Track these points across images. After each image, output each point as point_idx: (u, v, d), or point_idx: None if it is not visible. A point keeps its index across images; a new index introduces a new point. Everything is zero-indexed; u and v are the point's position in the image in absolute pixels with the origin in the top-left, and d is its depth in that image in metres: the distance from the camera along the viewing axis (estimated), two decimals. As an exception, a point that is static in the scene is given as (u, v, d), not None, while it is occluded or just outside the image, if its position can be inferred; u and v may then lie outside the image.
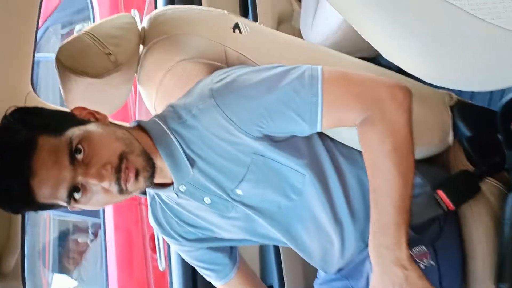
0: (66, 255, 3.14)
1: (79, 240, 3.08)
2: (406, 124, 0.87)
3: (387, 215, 0.86)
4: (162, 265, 2.22)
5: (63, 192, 0.83)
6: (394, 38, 0.77)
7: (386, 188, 0.87)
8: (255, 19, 1.72)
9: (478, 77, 0.80)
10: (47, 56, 2.88)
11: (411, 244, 0.96)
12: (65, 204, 0.85)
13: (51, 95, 3.00)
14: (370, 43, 0.82)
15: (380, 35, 0.78)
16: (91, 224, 2.99)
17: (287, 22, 1.85)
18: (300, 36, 1.74)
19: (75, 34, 1.07)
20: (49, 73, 2.95)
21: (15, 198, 0.81)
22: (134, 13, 2.61)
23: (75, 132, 0.85)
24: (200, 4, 1.63)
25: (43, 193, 0.81)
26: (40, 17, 1.33)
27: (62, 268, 3.14)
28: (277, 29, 1.81)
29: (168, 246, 1.65)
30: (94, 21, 2.67)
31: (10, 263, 1.10)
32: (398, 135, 0.86)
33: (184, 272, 1.54)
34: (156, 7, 1.75)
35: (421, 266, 0.95)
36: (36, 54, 1.34)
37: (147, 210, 1.13)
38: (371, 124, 0.88)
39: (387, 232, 0.86)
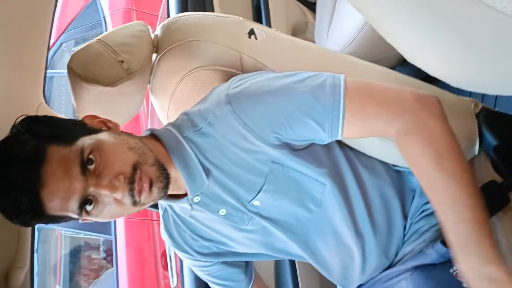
0: (78, 272, 3.11)
1: (91, 256, 3.05)
2: (444, 129, 0.82)
3: (461, 233, 0.78)
4: (174, 283, 2.19)
5: (74, 204, 0.79)
6: (420, 41, 0.74)
7: (448, 203, 0.79)
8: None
9: (507, 80, 0.76)
10: (61, 72, 2.89)
11: (449, 262, 0.90)
12: (76, 216, 0.82)
13: (64, 110, 3.01)
14: (394, 46, 0.79)
15: (405, 38, 0.75)
16: (102, 241, 2.96)
17: (301, 34, 1.83)
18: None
19: (88, 42, 1.05)
20: (62, 89, 2.96)
21: (24, 211, 0.77)
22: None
23: (86, 141, 0.82)
24: (212, 9, 1.61)
25: (53, 205, 0.78)
26: (54, 34, 1.32)
27: (73, 285, 3.10)
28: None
29: (181, 262, 1.60)
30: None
31: (19, 278, 1.06)
32: (439, 143, 0.81)
33: (197, 284, 1.49)
34: (168, 15, 1.73)
35: (464, 285, 0.88)
36: (49, 70, 1.33)
37: (159, 227, 1.09)
38: (406, 134, 0.83)
39: (468, 252, 0.77)
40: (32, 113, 1.23)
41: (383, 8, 0.73)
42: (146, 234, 2.38)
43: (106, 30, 2.73)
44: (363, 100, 0.85)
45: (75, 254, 3.06)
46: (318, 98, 0.84)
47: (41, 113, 1.23)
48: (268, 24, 1.70)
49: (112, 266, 2.97)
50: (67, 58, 3.22)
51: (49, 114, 1.24)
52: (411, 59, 0.79)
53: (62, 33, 2.80)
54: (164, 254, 2.34)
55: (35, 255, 1.18)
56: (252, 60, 1.00)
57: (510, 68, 0.70)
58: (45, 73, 1.32)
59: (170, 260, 2.15)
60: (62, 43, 2.83)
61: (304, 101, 0.85)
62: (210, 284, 1.13)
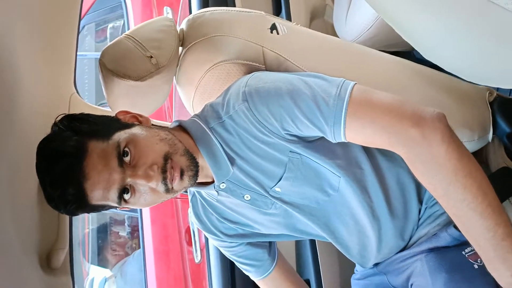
0: (105, 247, 3.24)
1: (118, 233, 3.17)
2: (448, 153, 0.81)
3: (485, 251, 0.83)
4: (198, 258, 2.27)
5: (113, 194, 0.86)
6: (435, 38, 0.77)
7: (466, 226, 0.83)
8: (288, 14, 1.72)
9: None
10: (83, 54, 2.95)
11: (462, 245, 0.96)
12: (115, 204, 0.89)
13: (87, 89, 3.09)
14: (410, 43, 0.82)
15: (421, 35, 0.78)
16: (127, 217, 3.07)
17: (320, 17, 1.85)
18: (334, 31, 1.74)
19: (117, 38, 1.10)
20: (84, 71, 3.03)
21: (70, 202, 0.85)
22: (167, 10, 2.65)
23: (121, 135, 0.89)
24: (233, 2, 1.64)
25: (95, 195, 0.85)
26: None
27: (100, 260, 3.24)
28: (310, 24, 1.81)
29: (206, 239, 1.68)
30: (127, 19, 2.73)
31: (59, 259, 1.15)
32: (444, 171, 0.81)
33: (223, 264, 1.57)
34: (190, 7, 1.77)
35: (475, 266, 0.95)
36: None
37: (183, 204, 1.16)
38: (410, 162, 0.85)
39: (494, 267, 0.83)
40: (65, 103, 1.31)
41: (400, 8, 0.77)
42: (170, 211, 2.46)
43: (127, 12, 2.77)
44: (364, 118, 0.86)
45: (102, 229, 3.19)
46: (322, 111, 0.88)
47: (73, 103, 1.32)
48: (287, 8, 1.72)
49: (138, 242, 3.09)
50: (88, 40, 3.29)
51: (82, 105, 1.32)
52: (426, 55, 0.83)
53: (84, 16, 2.85)
54: (188, 230, 2.42)
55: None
56: (274, 54, 1.05)
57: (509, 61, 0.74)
58: (75, 64, 1.39)
59: (194, 236, 2.22)
60: (84, 26, 2.89)
61: (308, 109, 0.88)
62: (236, 263, 1.20)
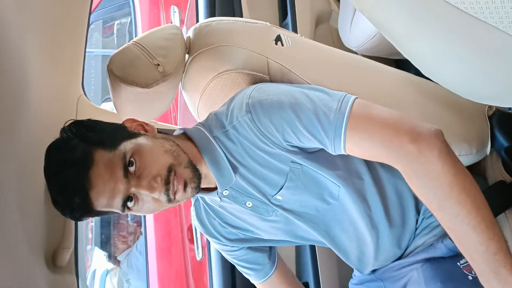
0: (107, 242, 3.28)
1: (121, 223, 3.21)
2: (444, 168, 0.83)
3: (478, 264, 0.85)
4: (199, 255, 2.30)
5: (118, 202, 0.90)
6: (434, 58, 0.79)
7: (459, 240, 0.86)
8: (293, 19, 1.74)
9: (510, 92, 0.82)
10: (90, 51, 2.98)
11: (457, 256, 0.98)
12: (119, 211, 0.92)
13: (93, 87, 3.12)
14: (411, 60, 0.85)
15: (421, 55, 0.81)
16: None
17: (325, 22, 1.86)
18: (338, 36, 1.76)
19: (125, 44, 1.12)
20: (91, 67, 3.06)
21: (76, 209, 0.88)
22: (174, 9, 2.67)
23: (127, 146, 0.91)
24: (240, 5, 1.66)
25: (100, 203, 0.89)
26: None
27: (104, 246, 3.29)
28: (316, 29, 1.83)
29: (208, 238, 1.71)
30: (134, 17, 2.75)
31: (65, 258, 1.18)
32: (439, 186, 0.84)
33: (223, 262, 1.59)
34: (197, 7, 1.79)
35: (469, 277, 0.97)
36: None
37: (185, 202, 1.18)
38: (407, 176, 0.88)
39: (486, 280, 0.85)
40: (73, 105, 1.34)
41: (400, 29, 0.79)
42: (173, 209, 2.49)
43: (134, 10, 2.80)
44: (363, 133, 0.89)
45: (105, 224, 3.23)
46: (322, 123, 0.90)
47: (81, 105, 1.34)
48: (293, 13, 1.74)
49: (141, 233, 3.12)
50: (96, 36, 3.31)
51: (89, 107, 1.35)
52: (425, 73, 0.85)
53: (91, 13, 2.87)
54: (190, 228, 2.45)
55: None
56: (278, 65, 1.07)
57: (506, 81, 0.76)
58: (84, 66, 1.42)
59: (196, 234, 2.26)
60: (91, 23, 2.91)
61: (309, 123, 0.91)
62: (237, 266, 1.23)
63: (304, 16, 1.76)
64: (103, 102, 3.24)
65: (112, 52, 1.13)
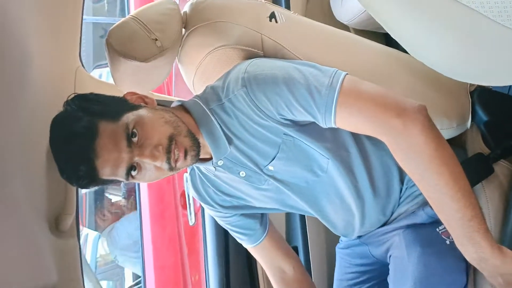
0: (99, 208, 3.36)
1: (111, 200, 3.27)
2: (426, 142, 0.89)
3: (454, 229, 0.93)
4: (192, 220, 2.36)
5: (122, 171, 0.95)
6: (420, 40, 0.84)
7: (437, 206, 0.93)
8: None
9: (494, 73, 0.88)
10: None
11: (436, 223, 1.05)
12: (123, 180, 0.97)
13: (84, 53, 3.11)
14: (398, 41, 0.90)
15: (407, 36, 0.85)
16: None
17: (317, -4, 1.88)
18: (330, 9, 1.78)
19: (123, 18, 1.15)
20: (82, 36, 3.05)
21: (82, 177, 0.93)
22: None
23: (129, 117, 0.96)
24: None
25: (105, 172, 0.94)
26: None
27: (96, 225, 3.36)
28: (308, 2, 1.85)
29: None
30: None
31: (67, 223, 1.24)
32: (421, 157, 0.90)
33: (217, 227, 1.64)
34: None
35: (447, 242, 1.05)
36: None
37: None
38: (392, 148, 0.94)
39: (461, 243, 0.93)
40: (71, 76, 1.37)
41: (390, 10, 0.84)
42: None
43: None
44: (352, 108, 0.94)
45: (98, 191, 3.29)
46: (314, 98, 0.95)
47: (79, 76, 1.38)
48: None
49: (130, 209, 3.19)
50: (85, 6, 3.28)
51: (87, 78, 1.39)
52: (411, 53, 0.90)
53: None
54: (183, 194, 2.51)
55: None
56: (272, 42, 1.11)
57: (485, 62, 0.81)
58: (81, 37, 1.44)
59: (189, 199, 2.32)
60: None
61: (302, 97, 0.96)
62: (230, 231, 1.30)
63: (296, -12, 1.78)
64: (94, 68, 3.25)
65: (103, 19, 1.16)
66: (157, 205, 2.55)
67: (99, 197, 3.37)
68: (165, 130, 0.97)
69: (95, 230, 3.44)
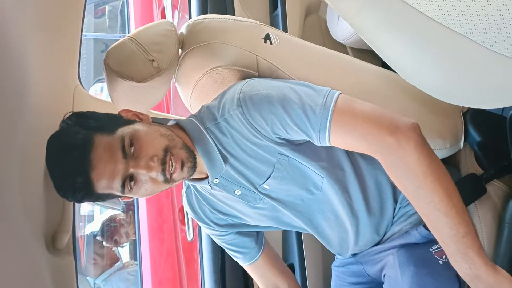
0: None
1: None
2: (419, 160, 0.90)
3: (448, 247, 0.93)
4: (190, 236, 2.37)
5: (117, 183, 0.95)
6: (409, 63, 0.86)
7: (432, 224, 0.93)
8: (283, 10, 1.78)
9: (484, 97, 0.89)
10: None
11: (430, 243, 1.06)
12: (119, 193, 0.98)
13: (85, 67, 3.14)
14: (389, 64, 0.91)
15: (398, 60, 0.87)
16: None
17: (314, 13, 1.91)
18: (327, 27, 1.81)
19: (121, 39, 1.17)
20: (82, 50, 3.08)
21: (78, 190, 0.94)
22: (166, 2, 2.69)
23: (125, 130, 0.98)
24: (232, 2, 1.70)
25: (101, 184, 0.94)
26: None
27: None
28: (305, 20, 1.88)
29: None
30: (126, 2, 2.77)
31: (63, 240, 1.25)
32: (415, 175, 0.91)
33: (213, 243, 1.64)
34: (189, 7, 1.84)
35: (440, 262, 1.05)
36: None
37: (177, 185, 1.24)
38: (386, 168, 0.95)
39: (455, 260, 0.93)
40: (70, 95, 1.39)
41: (380, 35, 0.85)
42: (165, 191, 2.55)
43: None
44: (347, 126, 0.96)
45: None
46: (309, 117, 0.97)
47: (77, 95, 1.40)
48: (283, 4, 1.78)
49: (131, 217, 3.18)
50: (88, 18, 3.32)
51: (86, 96, 1.40)
52: (402, 76, 0.92)
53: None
54: (181, 209, 2.52)
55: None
56: (267, 63, 1.13)
57: (473, 85, 0.83)
58: (79, 56, 1.46)
59: (187, 215, 2.32)
60: (83, 6, 2.93)
61: (297, 116, 0.98)
62: (225, 249, 1.31)
63: (293, 7, 1.80)
64: (95, 82, 3.28)
65: (104, 36, 1.18)
66: (156, 220, 2.56)
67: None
68: (160, 142, 0.98)
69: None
